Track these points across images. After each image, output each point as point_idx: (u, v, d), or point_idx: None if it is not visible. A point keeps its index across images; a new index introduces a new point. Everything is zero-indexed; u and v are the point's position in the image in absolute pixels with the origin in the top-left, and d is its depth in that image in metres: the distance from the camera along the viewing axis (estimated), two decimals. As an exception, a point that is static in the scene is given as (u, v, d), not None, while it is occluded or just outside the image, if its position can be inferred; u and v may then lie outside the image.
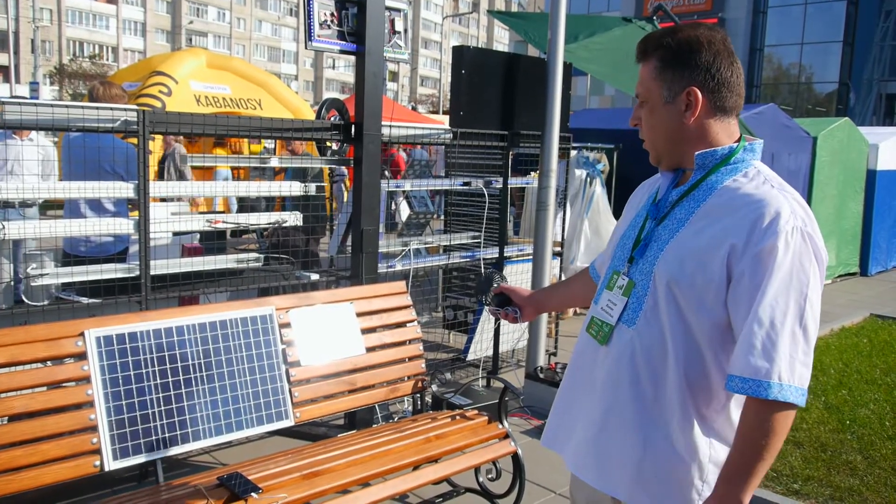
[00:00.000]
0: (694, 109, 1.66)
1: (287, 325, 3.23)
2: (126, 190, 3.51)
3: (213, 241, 4.38)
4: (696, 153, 1.68)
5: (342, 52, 3.97)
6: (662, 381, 1.66)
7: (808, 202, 9.50)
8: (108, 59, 59.43)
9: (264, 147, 13.13)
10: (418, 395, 3.69)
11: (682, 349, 1.63)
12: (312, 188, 4.21)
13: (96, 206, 4.18)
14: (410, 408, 4.39)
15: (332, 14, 3.88)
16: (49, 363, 2.71)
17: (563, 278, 6.75)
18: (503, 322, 5.41)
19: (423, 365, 3.67)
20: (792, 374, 1.49)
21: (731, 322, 1.59)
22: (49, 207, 8.03)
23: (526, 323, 5.36)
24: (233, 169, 11.33)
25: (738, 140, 1.71)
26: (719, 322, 1.61)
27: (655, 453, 1.67)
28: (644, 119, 1.76)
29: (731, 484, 1.54)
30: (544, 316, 5.18)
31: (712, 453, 1.67)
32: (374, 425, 3.97)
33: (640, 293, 1.70)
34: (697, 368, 1.64)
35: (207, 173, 10.59)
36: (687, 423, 1.65)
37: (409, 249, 4.85)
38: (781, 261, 1.51)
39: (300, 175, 6.15)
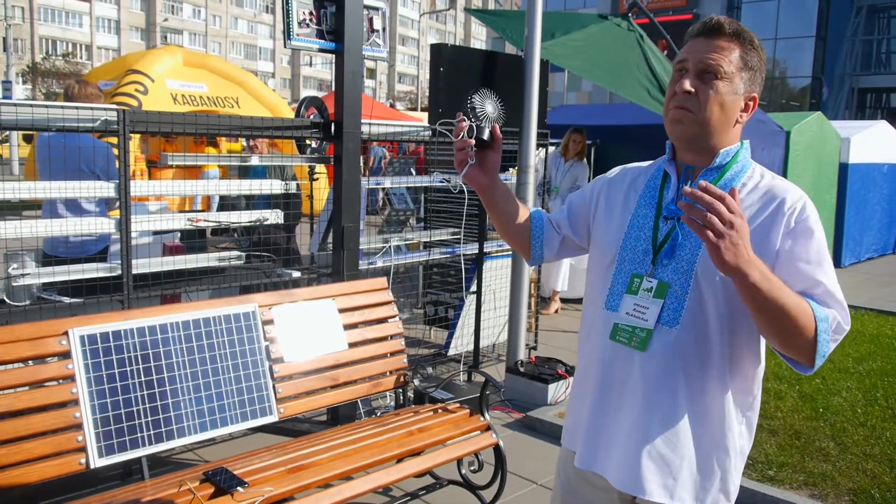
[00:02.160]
0: (749, 113, 1.75)
1: (270, 321, 3.26)
2: (107, 190, 3.51)
3: (194, 240, 4.39)
4: (722, 150, 1.74)
5: (321, 50, 4.00)
6: (711, 375, 1.69)
7: (782, 195, 9.65)
8: (81, 58, 58.77)
9: (244, 146, 13.12)
10: (400, 390, 3.73)
11: (727, 340, 1.68)
12: (293, 186, 4.23)
13: (74, 207, 4.17)
14: (393, 403, 4.43)
15: (310, 13, 3.90)
16: (30, 363, 2.72)
17: (541, 274, 6.81)
18: (483, 317, 5.47)
19: (405, 360, 3.72)
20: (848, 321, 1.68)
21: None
22: (26, 208, 7.97)
23: (505, 317, 5.42)
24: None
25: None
26: None
27: (707, 450, 1.70)
28: (709, 95, 1.69)
29: (762, 271, 1.49)
30: (524, 311, 5.24)
31: (741, 442, 1.73)
32: (357, 421, 4.00)
33: (678, 293, 1.70)
34: (736, 356, 1.69)
35: (191, 172, 10.55)
36: (728, 414, 1.70)
37: (390, 246, 4.89)
38: (819, 238, 1.66)
39: (269, 173, 6.15)
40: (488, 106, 1.87)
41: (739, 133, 1.78)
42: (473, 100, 1.83)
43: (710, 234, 1.42)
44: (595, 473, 1.81)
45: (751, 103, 1.74)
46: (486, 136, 1.81)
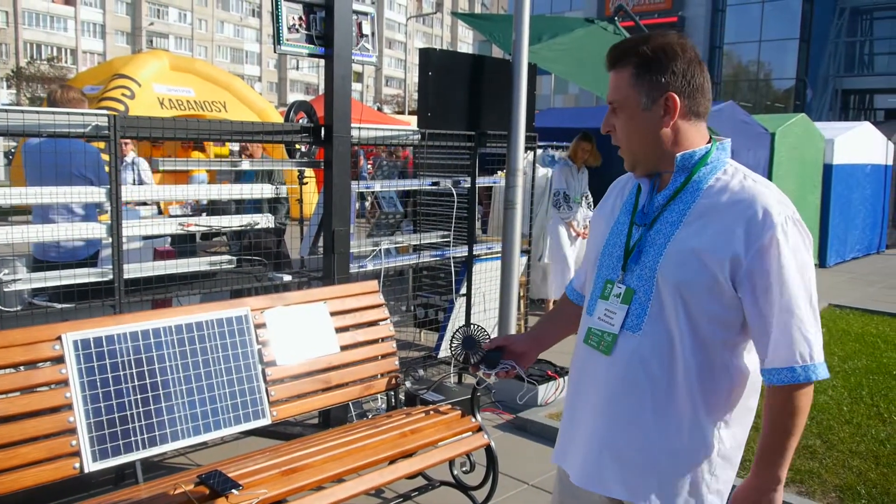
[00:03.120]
0: (672, 115, 1.72)
1: (262, 325, 3.28)
2: (98, 195, 3.52)
3: (185, 245, 4.40)
4: (678, 155, 1.73)
5: (311, 55, 4.02)
6: (673, 382, 1.70)
7: (768, 197, 9.72)
8: (66, 62, 58.41)
9: (230, 150, 13.11)
10: (392, 393, 3.75)
11: (689, 348, 1.68)
12: (284, 191, 4.25)
13: (66, 211, 4.18)
14: (384, 405, 4.45)
15: (300, 18, 3.93)
16: (22, 368, 2.72)
17: (531, 277, 6.85)
18: (473, 319, 5.50)
19: (397, 362, 3.74)
20: (821, 353, 1.63)
21: (748, 314, 1.65)
22: (15, 213, 7.95)
23: (495, 319, 5.45)
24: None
25: (710, 141, 1.78)
26: (724, 317, 1.67)
27: (675, 455, 1.72)
28: (620, 126, 1.78)
29: (773, 466, 1.64)
30: (514, 313, 5.27)
31: (720, 447, 1.74)
32: (349, 423, 4.02)
33: (642, 299, 1.73)
34: (705, 365, 1.70)
35: (180, 177, 10.54)
36: (697, 420, 1.71)
37: (380, 249, 4.91)
38: (784, 251, 1.61)
39: (260, 178, 6.16)
40: (468, 342, 2.07)
41: (689, 131, 1.75)
42: (455, 349, 2.08)
43: None
44: None
45: (669, 104, 1.71)
46: (496, 367, 2.00)
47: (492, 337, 2.09)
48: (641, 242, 1.76)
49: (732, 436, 1.76)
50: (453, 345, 2.07)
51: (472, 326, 2.09)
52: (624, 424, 1.75)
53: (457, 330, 2.11)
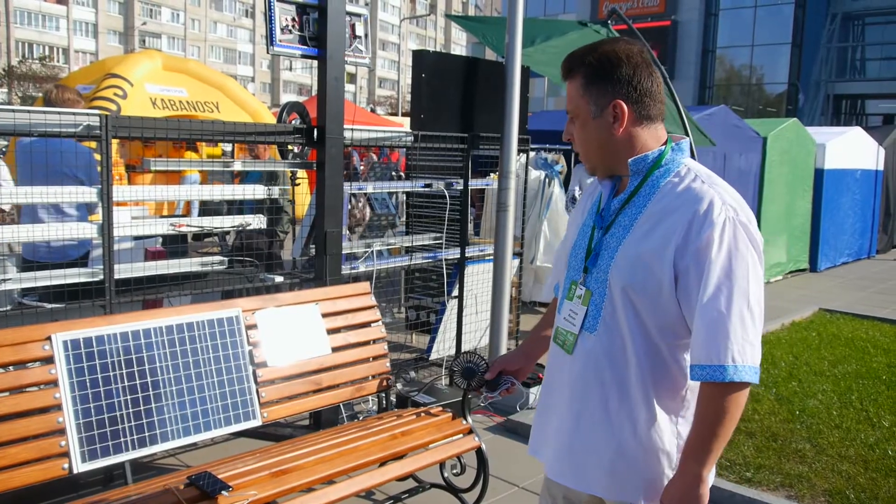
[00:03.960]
0: (621, 121, 1.75)
1: (253, 326, 3.27)
2: (90, 195, 3.51)
3: (176, 245, 4.38)
4: (630, 160, 1.77)
5: (304, 56, 4.02)
6: (626, 381, 1.75)
7: (759, 201, 9.76)
8: (58, 61, 58.15)
9: (222, 151, 13.07)
10: (383, 394, 3.74)
11: (641, 349, 1.73)
12: (276, 191, 4.24)
13: (56, 211, 4.16)
14: (375, 407, 4.45)
15: (293, 19, 3.92)
16: (11, 368, 2.71)
17: (523, 279, 6.85)
18: (465, 322, 5.50)
19: (388, 364, 3.73)
20: (744, 355, 1.60)
21: (684, 315, 1.69)
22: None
23: (487, 322, 5.46)
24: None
25: (665, 143, 1.81)
26: (673, 319, 1.71)
27: (627, 450, 1.75)
28: (576, 134, 1.83)
29: (692, 462, 1.65)
30: (505, 315, 5.27)
31: (679, 442, 1.76)
32: (340, 425, 4.01)
33: (597, 301, 1.78)
34: (658, 364, 1.74)
35: (172, 177, 10.49)
36: (653, 417, 1.74)
37: (372, 251, 4.91)
38: (718, 250, 1.63)
39: (263, 179, 6.15)
40: (467, 371, 2.19)
41: (642, 135, 1.77)
42: (454, 373, 2.18)
43: None
44: None
45: (617, 111, 1.75)
46: (498, 388, 2.13)
47: (487, 359, 2.19)
48: (598, 245, 1.81)
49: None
50: (454, 378, 2.17)
51: (467, 355, 2.18)
52: (580, 421, 1.81)
53: (454, 360, 2.18)
